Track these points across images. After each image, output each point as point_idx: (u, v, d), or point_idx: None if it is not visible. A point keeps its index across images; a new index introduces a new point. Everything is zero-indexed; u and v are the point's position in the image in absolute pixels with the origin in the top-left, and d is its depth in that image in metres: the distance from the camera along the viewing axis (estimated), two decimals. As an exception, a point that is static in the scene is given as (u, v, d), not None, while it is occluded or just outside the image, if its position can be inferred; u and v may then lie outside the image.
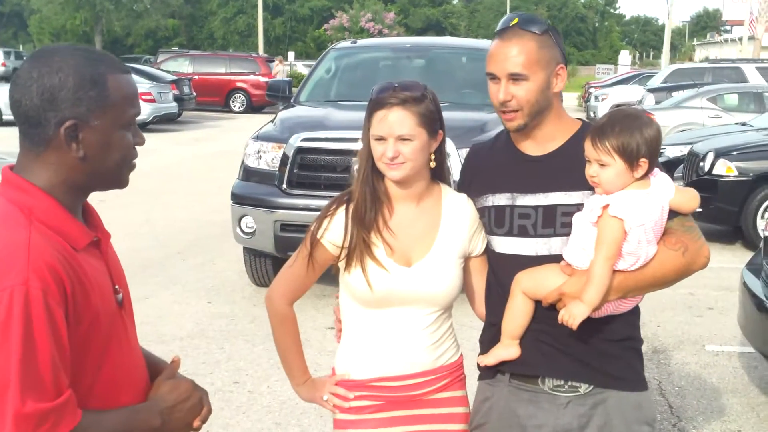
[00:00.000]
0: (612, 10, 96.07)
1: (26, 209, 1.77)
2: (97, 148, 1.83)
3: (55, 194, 1.82)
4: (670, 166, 11.93)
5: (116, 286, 1.96)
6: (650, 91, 22.21)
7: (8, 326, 1.63)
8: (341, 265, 2.58)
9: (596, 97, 28.42)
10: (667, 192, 2.41)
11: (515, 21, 2.49)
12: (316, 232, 2.59)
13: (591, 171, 2.38)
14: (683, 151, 11.68)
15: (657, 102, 19.91)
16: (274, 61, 34.30)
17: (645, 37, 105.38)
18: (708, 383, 5.85)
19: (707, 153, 10.38)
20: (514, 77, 2.44)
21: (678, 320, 7.29)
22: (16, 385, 1.63)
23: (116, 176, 1.92)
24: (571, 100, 38.09)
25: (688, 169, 10.68)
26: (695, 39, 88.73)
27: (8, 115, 23.83)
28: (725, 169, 10.19)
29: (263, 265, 7.75)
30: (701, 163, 10.37)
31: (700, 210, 10.00)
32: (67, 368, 1.71)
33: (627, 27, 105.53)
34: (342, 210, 2.58)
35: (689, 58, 62.86)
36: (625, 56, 52.89)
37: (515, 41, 2.45)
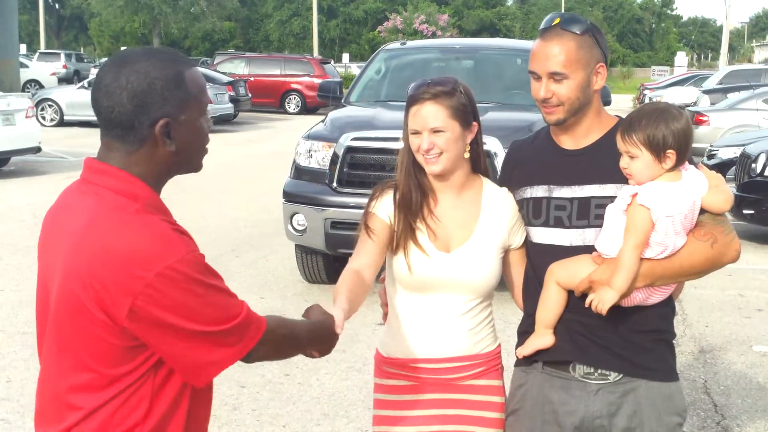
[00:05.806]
0: (669, 12, 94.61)
1: (132, 196, 1.94)
2: (186, 140, 2.01)
3: (149, 183, 2.00)
4: (723, 168, 11.82)
5: None
6: (705, 92, 22.02)
7: (192, 283, 1.89)
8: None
9: (651, 99, 28.23)
10: (699, 187, 2.47)
11: (557, 21, 2.58)
12: (369, 208, 2.70)
13: (623, 163, 2.48)
14: (737, 152, 11.59)
15: (712, 103, 19.72)
16: (328, 62, 34.50)
17: (703, 38, 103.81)
18: (754, 383, 5.85)
19: (759, 154, 10.29)
20: (555, 76, 2.54)
21: (726, 321, 7.28)
22: (212, 317, 1.90)
23: (196, 162, 2.11)
24: (625, 101, 37.70)
25: (740, 170, 10.61)
26: (754, 40, 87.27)
27: (69, 116, 24.30)
28: (777, 170, 10.11)
29: (314, 262, 7.89)
30: (753, 165, 10.29)
31: (752, 212, 9.99)
32: (235, 297, 1.99)
33: (684, 28, 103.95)
34: (389, 193, 2.70)
35: (748, 60, 61.84)
36: (681, 57, 52.06)
37: (556, 41, 2.55)
